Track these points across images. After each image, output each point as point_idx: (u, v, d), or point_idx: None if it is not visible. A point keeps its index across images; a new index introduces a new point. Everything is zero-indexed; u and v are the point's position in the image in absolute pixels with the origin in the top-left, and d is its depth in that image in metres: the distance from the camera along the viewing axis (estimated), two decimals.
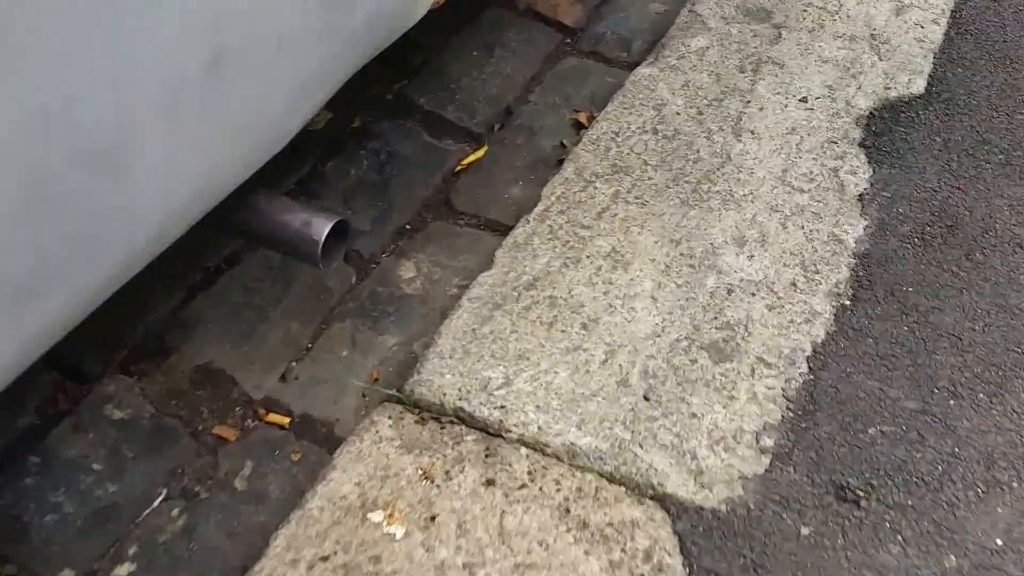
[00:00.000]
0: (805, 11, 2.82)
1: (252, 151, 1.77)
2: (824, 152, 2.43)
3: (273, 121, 1.80)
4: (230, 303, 2.30)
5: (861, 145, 2.45)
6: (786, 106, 2.55)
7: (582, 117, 2.69)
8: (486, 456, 1.92)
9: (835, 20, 2.79)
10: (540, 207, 2.36)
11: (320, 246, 1.90)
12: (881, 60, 2.67)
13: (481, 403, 1.99)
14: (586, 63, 2.89)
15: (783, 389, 2.00)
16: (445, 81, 2.83)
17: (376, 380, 2.15)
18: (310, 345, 2.24)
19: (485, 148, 2.65)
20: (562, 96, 2.79)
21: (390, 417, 2.00)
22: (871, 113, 2.53)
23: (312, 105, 1.92)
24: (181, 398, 2.14)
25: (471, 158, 2.63)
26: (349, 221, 1.97)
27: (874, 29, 2.76)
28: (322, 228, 1.90)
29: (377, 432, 1.97)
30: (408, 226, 2.48)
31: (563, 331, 2.10)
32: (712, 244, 2.25)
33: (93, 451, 2.04)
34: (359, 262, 2.40)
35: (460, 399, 2.00)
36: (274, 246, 1.97)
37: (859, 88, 2.59)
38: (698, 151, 2.45)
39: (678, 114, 2.54)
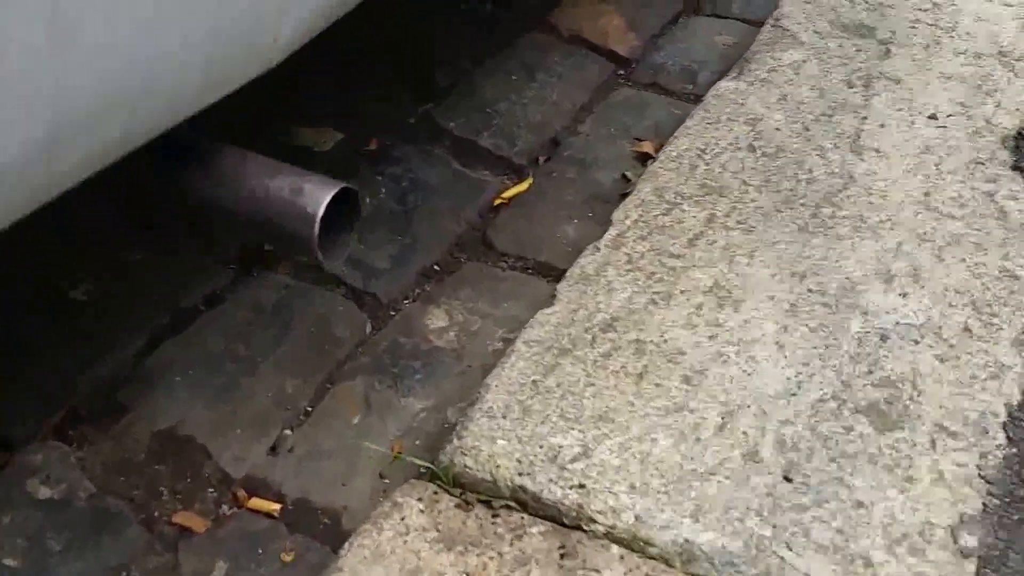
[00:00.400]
0: (914, 27, 2.22)
1: (213, 50, 1.12)
2: (972, 174, 1.81)
3: (251, 6, 1.15)
4: (207, 352, 1.67)
5: (1015, 168, 1.84)
6: (913, 123, 1.94)
7: (648, 147, 2.08)
8: (561, 557, 1.27)
9: (952, 37, 2.19)
10: (612, 232, 1.73)
11: (317, 223, 1.26)
12: (1018, 78, 2.06)
13: (551, 480, 1.34)
14: (644, 94, 2.28)
15: (978, 467, 1.35)
16: (479, 105, 2.22)
17: (398, 455, 1.50)
18: (310, 408, 1.60)
19: (530, 181, 2.03)
20: (619, 127, 2.17)
21: (420, 499, 1.35)
22: (1019, 132, 1.92)
23: (318, 5, 1.28)
24: (133, 473, 1.50)
25: (513, 191, 2.01)
26: (359, 192, 1.33)
27: (1002, 46, 2.16)
28: (320, 197, 1.26)
29: (403, 519, 1.32)
30: (437, 267, 1.85)
31: (659, 385, 1.45)
32: (849, 279, 1.61)
33: (7, 541, 1.41)
34: (375, 307, 1.76)
35: (521, 474, 1.35)
36: (249, 225, 1.33)
37: (998, 106, 1.98)
38: (811, 170, 1.83)
39: (778, 130, 1.93)
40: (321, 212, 1.25)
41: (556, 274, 1.79)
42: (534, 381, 1.47)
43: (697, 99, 2.17)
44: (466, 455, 1.38)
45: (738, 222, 1.72)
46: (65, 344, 1.65)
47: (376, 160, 2.05)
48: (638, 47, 2.43)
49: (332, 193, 1.26)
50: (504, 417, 1.42)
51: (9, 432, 1.53)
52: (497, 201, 1.99)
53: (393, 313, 1.76)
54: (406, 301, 1.78)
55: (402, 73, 2.28)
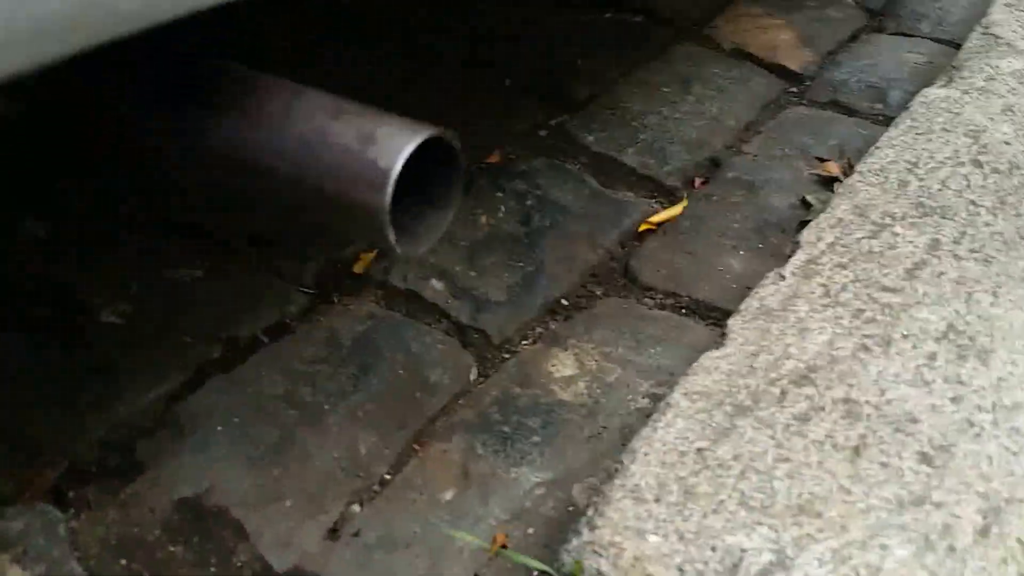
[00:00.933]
0: None
1: None
2: None
3: None
4: (261, 396, 1.20)
5: None
6: None
7: (832, 168, 1.59)
8: None
9: None
10: (801, 257, 1.24)
11: (391, 183, 0.78)
12: None
13: None
14: (824, 113, 1.79)
15: None
16: (623, 118, 1.74)
17: (502, 548, 1.02)
18: (388, 476, 1.13)
19: (684, 204, 1.55)
20: (794, 147, 1.68)
21: None
22: None
23: None
24: (139, 554, 1.05)
25: (663, 216, 1.53)
26: (457, 148, 0.85)
27: None
28: (399, 146, 0.78)
29: None
30: (565, 301, 1.37)
31: (885, 465, 0.94)
32: None
33: None
34: (484, 348, 1.29)
35: None
36: (292, 190, 0.85)
37: None
38: None
39: (1008, 144, 1.42)
40: (398, 167, 0.77)
41: (717, 315, 1.31)
42: (700, 450, 0.97)
43: (888, 120, 1.67)
44: (601, 555, 0.89)
45: (971, 250, 1.21)
46: (81, 377, 1.21)
47: (497, 174, 1.59)
48: (812, 63, 1.95)
49: (417, 141, 0.78)
50: (657, 501, 0.92)
51: None
52: (643, 227, 1.51)
53: (507, 356, 1.28)
54: (524, 342, 1.31)
55: (533, 82, 1.82)
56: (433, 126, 0.81)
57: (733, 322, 1.15)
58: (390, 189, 0.77)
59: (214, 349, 1.26)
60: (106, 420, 1.16)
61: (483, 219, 1.49)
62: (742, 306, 1.19)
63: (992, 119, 1.48)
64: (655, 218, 1.53)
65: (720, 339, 1.13)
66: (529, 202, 1.54)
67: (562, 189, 1.57)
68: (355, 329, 1.30)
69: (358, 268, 1.40)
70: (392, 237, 0.79)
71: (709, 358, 1.09)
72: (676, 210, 1.55)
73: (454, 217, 0.87)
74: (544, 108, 1.76)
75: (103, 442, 1.14)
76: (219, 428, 1.16)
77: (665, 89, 1.83)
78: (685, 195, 1.58)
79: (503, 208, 1.52)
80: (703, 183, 1.62)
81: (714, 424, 1.00)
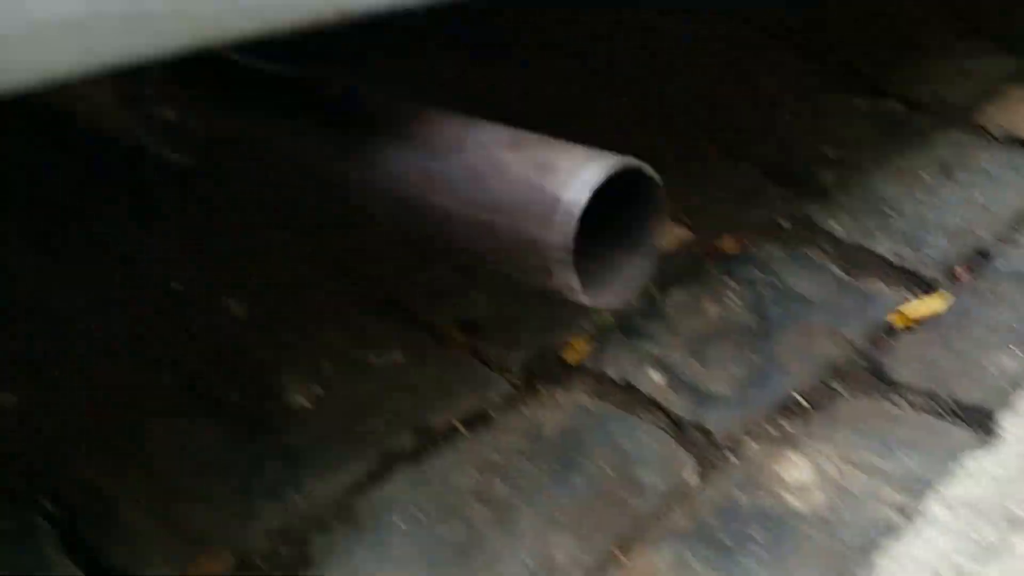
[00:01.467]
0: None
1: None
2: None
3: None
4: (449, 490, 1.07)
5: None
6: None
7: None
8: None
9: None
10: None
11: (574, 221, 0.62)
12: None
13: None
14: None
15: None
16: (874, 205, 1.55)
17: None
18: None
19: (945, 298, 1.34)
20: None
21: None
22: None
23: None
24: None
25: (921, 311, 1.33)
26: (657, 180, 0.69)
27: None
28: (584, 177, 0.63)
29: None
30: (802, 399, 1.19)
31: None
32: None
33: None
34: (705, 447, 1.12)
35: None
36: (461, 228, 0.70)
37: None
38: None
39: None
40: (583, 200, 0.62)
41: (981, 418, 1.10)
42: (961, 570, 0.77)
43: None
44: None
45: None
46: (260, 463, 1.10)
47: (728, 261, 1.42)
48: None
49: (607, 172, 0.63)
50: None
51: (138, 573, 0.98)
52: (898, 321, 1.32)
53: (731, 457, 1.11)
54: (752, 442, 1.13)
55: (775, 169, 1.66)
56: (627, 156, 0.66)
57: (1006, 420, 0.95)
58: (574, 224, 0.62)
59: (405, 438, 1.14)
60: (281, 511, 1.05)
61: (710, 308, 1.33)
62: (1017, 400, 0.98)
63: None
64: (911, 312, 1.33)
65: (988, 439, 0.93)
66: (763, 291, 1.36)
67: (802, 278, 1.39)
68: (561, 421, 1.15)
69: (569, 357, 1.26)
70: (576, 283, 0.63)
71: (975, 461, 0.89)
72: (936, 304, 1.34)
73: (653, 267, 0.71)
74: (785, 195, 1.59)
75: (275, 534, 1.02)
76: (400, 524, 1.03)
77: (924, 175, 1.63)
78: (946, 288, 1.38)
79: (734, 297, 1.35)
80: (968, 275, 1.41)
81: (980, 539, 0.79)
